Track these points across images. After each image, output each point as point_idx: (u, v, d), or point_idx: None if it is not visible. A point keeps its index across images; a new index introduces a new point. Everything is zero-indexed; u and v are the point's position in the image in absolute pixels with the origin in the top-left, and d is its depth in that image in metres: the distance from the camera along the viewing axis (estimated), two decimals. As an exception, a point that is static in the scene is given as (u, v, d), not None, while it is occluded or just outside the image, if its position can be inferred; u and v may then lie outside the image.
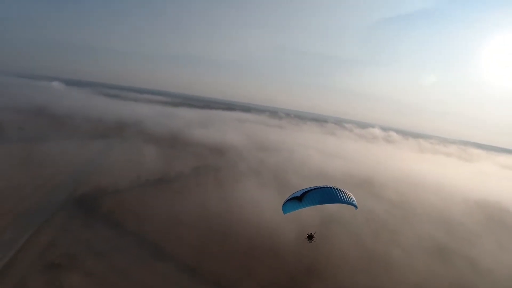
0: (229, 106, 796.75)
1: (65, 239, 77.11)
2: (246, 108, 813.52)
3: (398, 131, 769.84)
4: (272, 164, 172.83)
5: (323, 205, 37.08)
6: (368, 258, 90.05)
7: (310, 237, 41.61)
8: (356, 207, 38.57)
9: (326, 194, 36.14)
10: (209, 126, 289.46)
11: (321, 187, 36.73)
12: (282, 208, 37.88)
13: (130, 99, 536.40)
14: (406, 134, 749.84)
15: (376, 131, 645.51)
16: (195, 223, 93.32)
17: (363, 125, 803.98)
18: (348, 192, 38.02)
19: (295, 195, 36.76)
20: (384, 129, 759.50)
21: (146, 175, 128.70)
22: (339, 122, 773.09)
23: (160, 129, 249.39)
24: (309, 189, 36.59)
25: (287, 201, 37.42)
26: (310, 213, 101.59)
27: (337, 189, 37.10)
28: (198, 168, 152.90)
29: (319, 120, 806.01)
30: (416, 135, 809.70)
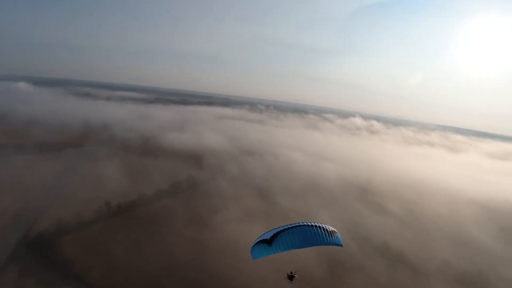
0: (207, 100, 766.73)
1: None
2: (225, 101, 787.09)
3: (378, 119, 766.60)
4: (256, 176, 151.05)
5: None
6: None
7: (291, 276, 35.75)
8: (341, 245, 31.58)
9: (302, 236, 29.52)
10: (185, 128, 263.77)
11: (296, 226, 29.97)
12: (251, 253, 31.47)
13: (101, 97, 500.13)
14: (386, 121, 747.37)
15: (358, 121, 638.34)
16: (168, 277, 72.19)
17: (344, 115, 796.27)
18: (330, 228, 30.74)
19: (264, 237, 30.47)
20: (365, 117, 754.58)
21: (112, 200, 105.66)
22: (319, 113, 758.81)
23: (131, 135, 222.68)
24: (282, 228, 30.09)
25: (255, 244, 31.09)
26: (310, 254, 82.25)
27: (316, 226, 30.14)
28: (172, 187, 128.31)
29: (299, 110, 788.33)
30: (396, 122, 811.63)
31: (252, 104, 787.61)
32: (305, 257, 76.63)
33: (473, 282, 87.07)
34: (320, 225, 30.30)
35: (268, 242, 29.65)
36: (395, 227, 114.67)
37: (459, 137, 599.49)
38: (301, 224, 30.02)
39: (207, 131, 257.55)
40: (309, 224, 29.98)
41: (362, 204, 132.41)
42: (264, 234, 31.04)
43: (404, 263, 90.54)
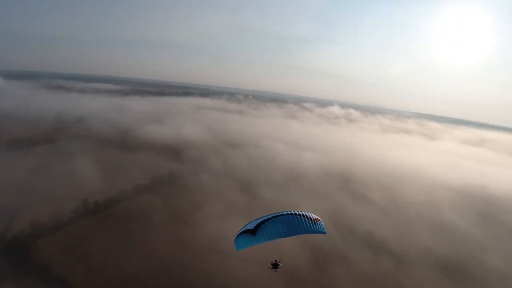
0: (186, 91, 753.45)
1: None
2: (203, 92, 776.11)
3: (356, 107, 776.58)
4: (238, 168, 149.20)
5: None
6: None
7: (275, 265, 35.38)
8: (324, 233, 30.97)
9: (286, 225, 28.96)
10: (164, 120, 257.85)
11: (279, 215, 29.35)
12: (235, 243, 30.70)
13: (75, 90, 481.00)
14: (363, 110, 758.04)
15: (336, 110, 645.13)
16: (152, 276, 70.45)
17: (322, 103, 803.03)
18: (313, 216, 30.18)
19: (248, 227, 29.76)
20: (343, 106, 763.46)
21: (89, 197, 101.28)
22: (298, 102, 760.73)
23: (107, 128, 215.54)
24: (265, 218, 29.39)
25: (239, 234, 30.30)
26: (294, 246, 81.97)
27: (299, 214, 29.55)
28: (151, 182, 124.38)
29: (278, 100, 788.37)
30: (373, 110, 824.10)
31: (230, 94, 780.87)
32: (289, 248, 76.53)
33: (454, 269, 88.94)
34: (304, 213, 29.76)
35: (252, 232, 28.94)
36: (377, 215, 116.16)
37: (434, 124, 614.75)
38: (285, 213, 29.41)
39: (186, 123, 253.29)
40: (293, 212, 29.38)
41: (344, 193, 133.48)
42: (247, 224, 30.28)
43: (387, 252, 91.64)
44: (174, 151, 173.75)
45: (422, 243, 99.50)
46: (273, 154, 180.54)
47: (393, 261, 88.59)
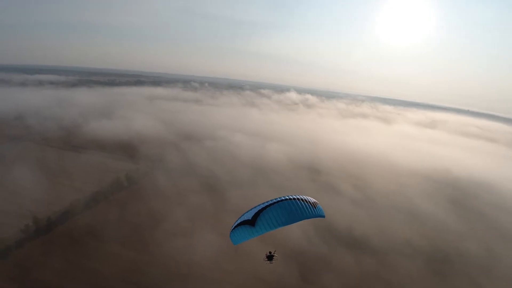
0: (137, 79, 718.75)
1: None
2: (156, 80, 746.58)
3: (312, 93, 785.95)
4: (199, 167, 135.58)
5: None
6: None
7: (270, 257, 32.45)
8: (323, 217, 28.68)
9: (286, 211, 26.59)
10: (114, 113, 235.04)
11: (277, 201, 27.01)
12: (231, 237, 28.14)
13: (16, 83, 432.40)
14: (319, 95, 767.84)
15: (293, 95, 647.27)
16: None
17: (279, 89, 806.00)
18: (312, 200, 27.96)
19: (246, 218, 27.22)
20: (299, 91, 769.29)
21: (38, 212, 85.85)
22: (255, 88, 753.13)
23: (50, 126, 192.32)
24: (263, 206, 27.01)
25: (235, 226, 27.79)
26: (278, 263, 73.13)
27: (298, 198, 27.35)
28: (105, 188, 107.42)
29: (234, 87, 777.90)
30: (328, 95, 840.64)
31: (185, 82, 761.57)
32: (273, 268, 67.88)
33: (437, 261, 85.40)
34: (301, 197, 27.97)
35: (250, 223, 26.64)
36: (352, 209, 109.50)
37: (387, 107, 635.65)
38: (282, 198, 27.41)
39: (139, 116, 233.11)
40: (291, 197, 27.51)
41: (316, 186, 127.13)
42: (243, 215, 28.05)
43: (369, 249, 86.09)
44: (127, 149, 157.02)
45: (401, 236, 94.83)
46: (237, 147, 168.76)
47: (377, 259, 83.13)
